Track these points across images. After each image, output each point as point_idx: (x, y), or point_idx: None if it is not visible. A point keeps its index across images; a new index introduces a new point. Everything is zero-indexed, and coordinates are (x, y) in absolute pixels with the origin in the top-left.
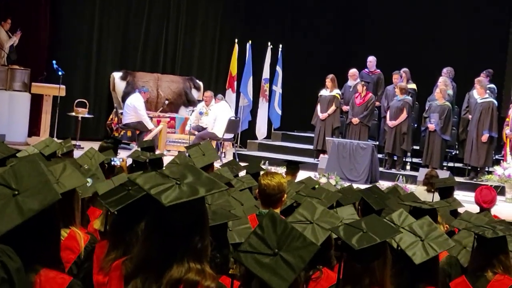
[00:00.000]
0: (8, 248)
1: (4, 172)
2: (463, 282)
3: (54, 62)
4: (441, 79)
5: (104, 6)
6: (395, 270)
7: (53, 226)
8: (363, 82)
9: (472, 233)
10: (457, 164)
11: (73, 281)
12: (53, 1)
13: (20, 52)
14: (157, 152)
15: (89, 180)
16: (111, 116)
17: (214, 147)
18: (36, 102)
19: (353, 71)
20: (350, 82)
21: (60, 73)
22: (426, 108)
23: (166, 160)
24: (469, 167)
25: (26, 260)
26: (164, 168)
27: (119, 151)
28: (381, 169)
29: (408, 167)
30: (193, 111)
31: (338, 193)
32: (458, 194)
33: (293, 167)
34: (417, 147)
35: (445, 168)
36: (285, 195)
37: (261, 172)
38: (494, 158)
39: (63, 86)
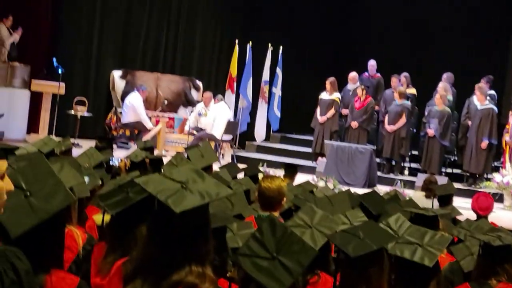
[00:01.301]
0: (18, 250)
1: (12, 172)
2: None
3: (54, 59)
4: (440, 85)
5: (105, 4)
6: (392, 277)
7: (59, 226)
8: (362, 86)
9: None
10: (455, 170)
11: (81, 281)
12: None
13: (21, 49)
14: (156, 152)
15: (86, 179)
16: (110, 115)
17: (213, 148)
18: (36, 99)
19: (353, 74)
20: (350, 86)
21: (60, 70)
22: (426, 113)
23: (165, 160)
24: (468, 174)
25: (37, 260)
26: (162, 169)
27: (116, 150)
28: (379, 173)
29: (406, 172)
30: (192, 111)
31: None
32: (456, 201)
33: (291, 170)
34: (416, 152)
35: (443, 174)
36: (285, 199)
37: (259, 175)
38: (493, 165)
39: (62, 84)
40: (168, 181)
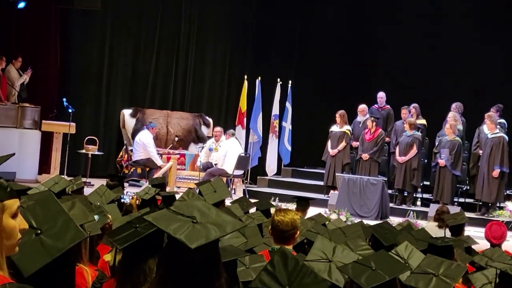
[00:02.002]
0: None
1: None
2: None
3: (64, 99)
4: (450, 114)
5: (114, 44)
6: None
7: (70, 264)
8: (372, 118)
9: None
10: (468, 200)
11: None
12: (63, 39)
13: (31, 90)
14: (167, 189)
15: (96, 217)
16: (121, 153)
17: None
18: (47, 139)
19: (362, 106)
20: (360, 118)
21: (70, 110)
22: (436, 143)
23: (177, 197)
24: (480, 203)
25: None
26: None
27: (127, 187)
28: (391, 205)
29: (418, 202)
30: (203, 147)
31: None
32: (469, 230)
33: (303, 204)
34: (428, 183)
35: (456, 203)
36: (298, 232)
37: (271, 209)
38: (505, 193)
39: (73, 124)
40: (177, 216)
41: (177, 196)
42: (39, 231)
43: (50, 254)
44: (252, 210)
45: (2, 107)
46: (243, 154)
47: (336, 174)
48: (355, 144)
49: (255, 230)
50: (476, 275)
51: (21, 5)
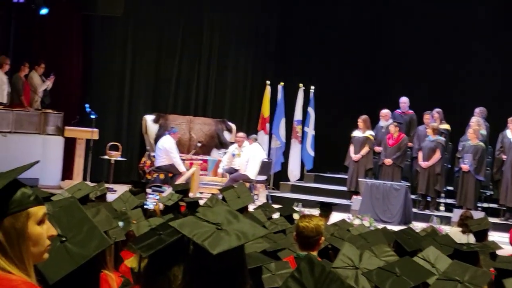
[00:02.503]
0: None
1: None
2: None
3: (87, 105)
4: (473, 119)
5: (136, 49)
6: None
7: (95, 271)
8: (395, 123)
9: None
10: (491, 205)
11: None
12: (85, 45)
13: (54, 96)
14: (190, 195)
15: (120, 223)
16: (143, 159)
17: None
18: (69, 145)
19: (385, 111)
20: (382, 123)
21: (93, 116)
22: (459, 148)
23: (200, 203)
24: (504, 208)
25: None
26: (197, 211)
27: (151, 194)
28: (414, 210)
29: (442, 208)
30: (225, 153)
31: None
32: (493, 235)
33: (326, 209)
34: (451, 188)
35: (479, 209)
36: (323, 238)
37: (294, 215)
38: None
39: (96, 130)
40: (203, 223)
41: (200, 202)
42: (64, 239)
43: (75, 261)
44: (275, 215)
45: (25, 113)
46: (266, 160)
47: (359, 179)
48: (378, 149)
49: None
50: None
51: (44, 11)
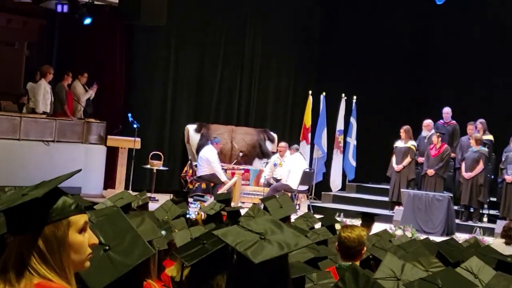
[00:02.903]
0: None
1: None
2: None
3: (129, 115)
4: None
5: (178, 59)
6: None
7: (138, 280)
8: (438, 133)
9: None
10: None
11: None
12: (128, 54)
13: (96, 105)
14: (232, 204)
15: (163, 232)
16: (185, 168)
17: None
18: (112, 154)
19: (427, 122)
20: (425, 133)
21: (135, 126)
22: (503, 159)
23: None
24: None
25: None
26: (239, 220)
27: (192, 203)
28: (457, 221)
29: (485, 219)
30: (267, 163)
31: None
32: None
33: (368, 219)
34: (494, 199)
35: None
36: (365, 248)
37: (336, 225)
38: None
39: (138, 139)
40: (246, 232)
41: (242, 212)
42: (107, 247)
43: (118, 270)
44: (317, 225)
45: (68, 122)
46: (308, 170)
47: (401, 189)
48: (420, 159)
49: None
50: None
51: (87, 21)
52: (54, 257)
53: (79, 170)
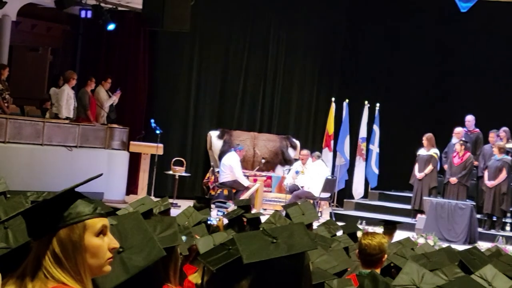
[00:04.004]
0: None
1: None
2: None
3: (152, 121)
4: None
5: (201, 65)
6: None
7: (156, 284)
8: (461, 141)
9: None
10: None
11: None
12: (151, 60)
13: (119, 111)
14: (253, 211)
15: (183, 238)
16: (207, 175)
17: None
18: (134, 160)
19: (458, 129)
20: (455, 140)
21: (158, 132)
22: None
23: (263, 219)
24: None
25: None
26: (259, 227)
27: (214, 209)
28: (480, 229)
29: (508, 228)
30: (289, 170)
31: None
32: None
33: (390, 227)
34: None
35: None
36: (386, 256)
37: (358, 232)
38: None
39: (160, 145)
40: (263, 236)
41: (263, 218)
42: (121, 249)
43: (128, 271)
44: (339, 233)
45: (92, 128)
46: (330, 177)
47: (424, 198)
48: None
49: (342, 253)
50: None
51: (111, 27)
52: (69, 261)
53: (100, 175)
